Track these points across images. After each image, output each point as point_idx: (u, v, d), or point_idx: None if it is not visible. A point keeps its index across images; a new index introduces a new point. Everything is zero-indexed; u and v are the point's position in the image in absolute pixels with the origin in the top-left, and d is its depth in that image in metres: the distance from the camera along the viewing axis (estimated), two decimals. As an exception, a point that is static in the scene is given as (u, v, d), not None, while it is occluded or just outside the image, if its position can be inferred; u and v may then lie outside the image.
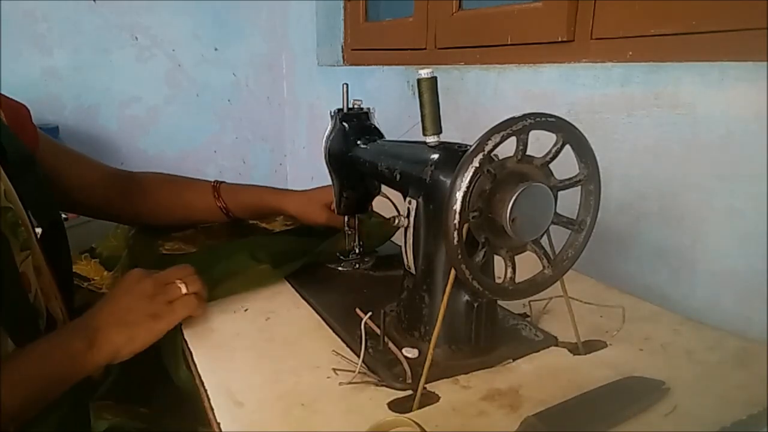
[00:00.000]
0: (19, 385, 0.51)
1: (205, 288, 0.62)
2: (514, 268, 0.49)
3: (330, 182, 0.79)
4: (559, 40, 0.95)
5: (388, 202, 0.79)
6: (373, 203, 0.79)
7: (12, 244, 0.59)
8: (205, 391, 0.50)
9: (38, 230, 0.65)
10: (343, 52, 1.82)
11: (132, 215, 0.86)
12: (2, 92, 0.70)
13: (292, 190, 0.89)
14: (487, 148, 0.44)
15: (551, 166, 0.49)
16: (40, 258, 0.63)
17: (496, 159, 0.47)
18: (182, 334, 0.60)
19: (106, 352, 0.55)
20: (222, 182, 0.90)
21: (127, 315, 0.57)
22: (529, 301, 0.64)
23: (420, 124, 0.56)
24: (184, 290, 0.59)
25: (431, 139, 0.56)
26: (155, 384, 0.63)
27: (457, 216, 0.45)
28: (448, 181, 0.47)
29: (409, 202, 0.55)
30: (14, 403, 0.50)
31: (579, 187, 0.50)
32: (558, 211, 0.49)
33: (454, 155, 0.52)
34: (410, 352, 0.54)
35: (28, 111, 0.74)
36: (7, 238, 0.58)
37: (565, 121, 0.47)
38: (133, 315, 0.57)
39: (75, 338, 0.54)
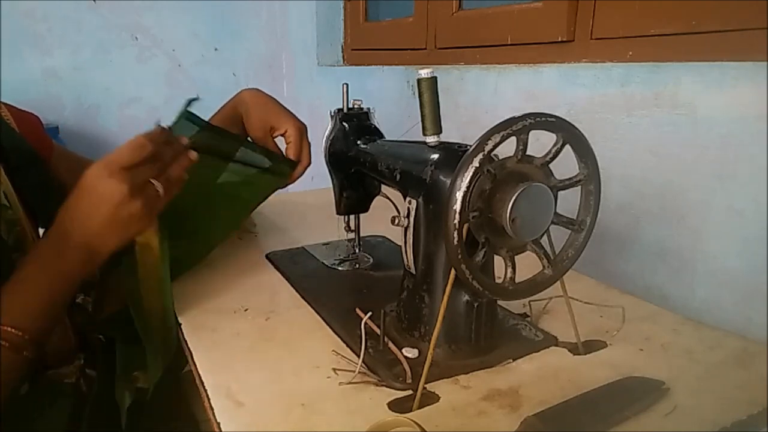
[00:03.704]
0: (31, 306, 0.55)
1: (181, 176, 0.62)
2: (514, 268, 0.49)
3: (330, 182, 0.79)
4: (559, 40, 0.95)
5: (389, 202, 0.79)
6: (373, 203, 0.79)
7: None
8: (205, 391, 0.50)
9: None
10: (343, 52, 1.83)
11: None
12: (2, 92, 0.70)
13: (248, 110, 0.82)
14: (487, 148, 0.44)
15: (551, 166, 0.49)
16: None
17: (496, 159, 0.47)
18: (182, 333, 0.60)
19: (102, 257, 0.58)
20: None
21: (113, 214, 0.56)
22: (529, 301, 0.64)
23: (420, 124, 0.56)
24: (161, 192, 0.59)
25: (431, 139, 0.56)
26: None
27: (457, 216, 0.45)
28: (448, 181, 0.47)
29: (409, 202, 0.55)
30: (34, 327, 0.54)
31: (579, 187, 0.50)
32: (558, 211, 0.49)
33: (454, 155, 0.52)
34: (410, 352, 0.54)
35: (39, 120, 0.75)
36: (2, 236, 0.58)
37: (565, 121, 0.47)
38: (120, 214, 0.56)
39: (74, 257, 0.56)
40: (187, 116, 0.70)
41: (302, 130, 0.80)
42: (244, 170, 0.78)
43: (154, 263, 0.61)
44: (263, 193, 0.81)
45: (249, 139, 0.82)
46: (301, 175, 0.81)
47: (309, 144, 0.81)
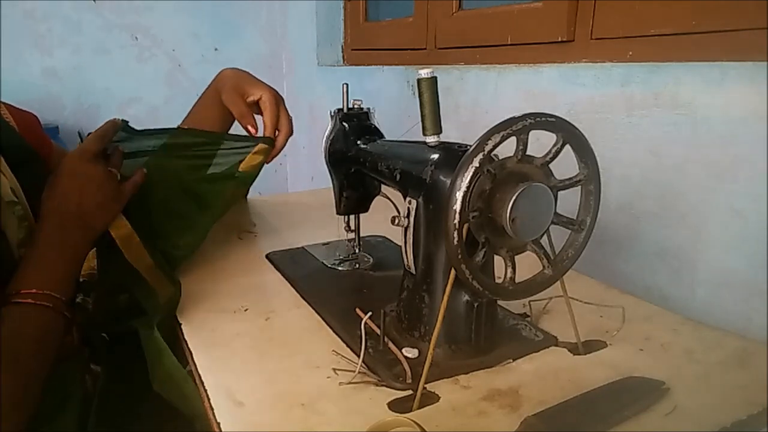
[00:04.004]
0: (59, 275, 0.61)
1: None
2: (514, 268, 0.49)
3: (330, 182, 0.79)
4: (559, 40, 0.95)
5: (389, 202, 0.79)
6: (373, 203, 0.79)
7: (10, 238, 0.60)
8: (205, 391, 0.50)
9: None
10: (343, 52, 1.83)
11: None
12: (2, 92, 0.71)
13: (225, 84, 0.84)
14: (487, 148, 0.44)
15: (551, 166, 0.49)
16: None
17: (496, 159, 0.47)
18: (182, 333, 0.60)
19: (98, 231, 0.66)
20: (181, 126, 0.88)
21: (99, 195, 0.66)
22: (529, 301, 0.64)
23: (420, 124, 0.56)
24: (119, 177, 0.70)
25: (431, 139, 0.56)
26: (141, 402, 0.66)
27: (457, 216, 0.45)
28: (448, 181, 0.47)
29: (409, 202, 0.55)
30: (66, 292, 0.61)
31: (579, 187, 0.50)
32: (558, 211, 0.49)
33: (454, 155, 0.52)
34: (410, 352, 0.54)
35: (38, 119, 0.76)
36: (3, 231, 0.59)
37: (565, 121, 0.47)
38: (104, 193, 0.66)
39: (76, 232, 0.64)
40: (133, 131, 0.78)
41: (277, 97, 0.81)
42: (227, 159, 0.80)
43: (129, 237, 0.68)
44: (250, 175, 0.80)
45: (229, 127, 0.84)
46: (283, 145, 0.82)
47: (288, 114, 0.82)
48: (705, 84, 0.70)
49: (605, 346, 0.57)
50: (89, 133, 0.70)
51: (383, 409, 0.47)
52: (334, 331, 0.60)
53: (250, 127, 0.79)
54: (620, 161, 0.81)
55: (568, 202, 0.51)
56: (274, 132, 0.80)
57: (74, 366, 0.66)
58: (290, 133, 0.82)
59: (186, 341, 0.59)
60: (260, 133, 0.81)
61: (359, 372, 0.50)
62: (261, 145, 0.79)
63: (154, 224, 0.75)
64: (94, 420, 0.61)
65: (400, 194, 0.60)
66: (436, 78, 0.55)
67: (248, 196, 1.13)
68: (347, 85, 0.75)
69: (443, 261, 0.52)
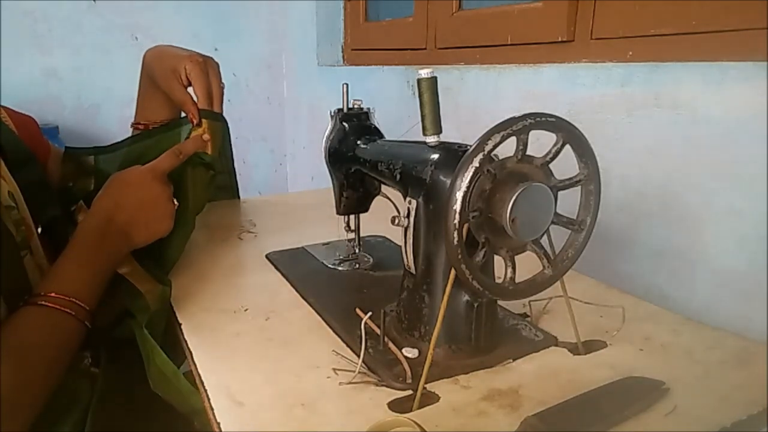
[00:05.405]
0: (86, 281, 0.60)
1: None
2: (514, 268, 0.49)
3: (330, 182, 0.79)
4: (559, 40, 0.95)
5: (389, 202, 0.79)
6: (373, 203, 0.79)
7: None
8: (205, 391, 0.50)
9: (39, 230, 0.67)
10: (343, 52, 1.83)
11: None
12: (2, 92, 0.72)
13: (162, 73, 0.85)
14: (487, 148, 0.44)
15: (551, 166, 0.49)
16: (42, 257, 0.64)
17: (496, 159, 0.47)
18: (182, 333, 0.60)
19: (132, 246, 0.67)
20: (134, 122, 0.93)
21: (151, 213, 0.68)
22: (529, 301, 0.64)
23: (420, 124, 0.56)
24: (175, 208, 0.71)
25: (431, 139, 0.56)
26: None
27: (457, 216, 0.45)
28: (448, 181, 0.47)
29: (409, 202, 0.55)
30: (90, 300, 0.60)
31: (579, 187, 0.50)
32: (558, 211, 0.49)
33: (454, 155, 0.52)
34: (410, 352, 0.54)
35: (36, 122, 0.77)
36: (12, 234, 0.59)
37: (565, 121, 0.47)
38: (156, 213, 0.68)
39: (114, 240, 0.65)
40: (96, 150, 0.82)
41: (200, 62, 0.80)
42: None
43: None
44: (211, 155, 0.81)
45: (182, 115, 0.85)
46: (221, 101, 0.82)
47: (217, 74, 0.83)
48: (705, 84, 0.70)
49: (605, 346, 0.57)
50: None
51: (383, 409, 0.47)
52: (334, 331, 0.60)
53: (191, 117, 0.80)
54: (620, 161, 0.81)
55: (568, 202, 0.51)
56: (209, 102, 0.80)
57: (74, 370, 0.65)
58: (220, 91, 0.82)
59: (186, 341, 0.59)
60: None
61: (359, 372, 0.51)
62: (204, 121, 0.80)
63: None
64: (92, 423, 0.61)
65: (400, 194, 0.60)
66: (436, 78, 0.55)
67: (248, 197, 1.13)
68: (347, 85, 0.75)
69: (443, 261, 0.52)
